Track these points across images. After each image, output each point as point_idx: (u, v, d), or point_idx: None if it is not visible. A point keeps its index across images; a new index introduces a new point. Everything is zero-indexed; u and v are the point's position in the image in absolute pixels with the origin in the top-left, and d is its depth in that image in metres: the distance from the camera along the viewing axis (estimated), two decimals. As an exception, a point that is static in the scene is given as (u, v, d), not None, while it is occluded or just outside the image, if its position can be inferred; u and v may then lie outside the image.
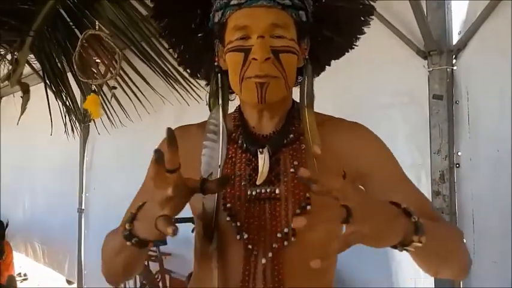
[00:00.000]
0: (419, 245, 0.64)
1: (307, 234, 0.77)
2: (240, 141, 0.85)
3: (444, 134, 1.83)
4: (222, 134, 0.85)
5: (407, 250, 0.66)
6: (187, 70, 0.96)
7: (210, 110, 0.89)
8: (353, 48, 0.93)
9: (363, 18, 0.89)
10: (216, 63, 0.88)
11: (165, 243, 3.05)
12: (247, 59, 0.78)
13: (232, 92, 0.89)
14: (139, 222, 0.71)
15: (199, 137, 0.87)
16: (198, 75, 0.96)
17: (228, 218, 0.80)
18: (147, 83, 2.55)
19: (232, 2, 0.80)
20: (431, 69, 1.86)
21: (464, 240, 0.82)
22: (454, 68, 1.85)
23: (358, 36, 0.91)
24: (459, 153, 1.83)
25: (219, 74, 0.87)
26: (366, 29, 0.90)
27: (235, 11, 0.80)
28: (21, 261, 5.03)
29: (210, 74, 0.92)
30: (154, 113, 2.86)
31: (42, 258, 5.01)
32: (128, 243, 0.71)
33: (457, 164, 1.83)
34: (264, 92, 0.78)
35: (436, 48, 1.83)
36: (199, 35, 0.90)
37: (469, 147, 1.80)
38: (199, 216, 0.83)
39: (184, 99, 2.45)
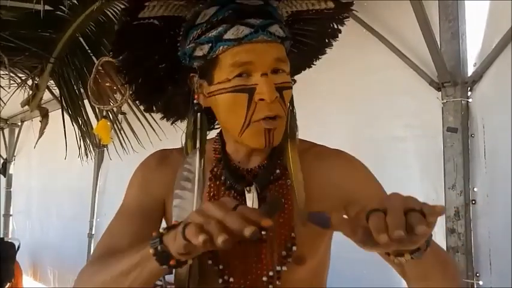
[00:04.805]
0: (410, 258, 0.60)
1: (292, 277, 0.74)
2: (223, 178, 0.79)
3: (459, 168, 1.76)
4: (197, 185, 0.75)
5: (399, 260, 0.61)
6: (142, 105, 0.87)
7: (186, 153, 0.79)
8: (310, 67, 0.91)
9: (327, 40, 0.88)
10: (195, 101, 0.78)
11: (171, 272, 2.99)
12: (252, 100, 0.72)
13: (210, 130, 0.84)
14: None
15: (180, 163, 0.81)
16: (154, 109, 0.87)
17: (209, 262, 0.75)
18: (160, 110, 2.57)
19: (226, 36, 0.71)
20: (445, 101, 1.81)
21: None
22: (469, 100, 1.79)
23: (319, 56, 0.90)
24: (475, 189, 1.74)
25: (198, 114, 0.78)
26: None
27: (232, 47, 0.72)
28: (29, 285, 5.01)
29: (168, 107, 0.86)
30: (166, 139, 2.87)
31: (52, 282, 4.97)
32: (164, 266, 0.61)
33: (473, 200, 1.74)
34: (272, 137, 0.74)
35: (450, 80, 1.78)
36: (161, 66, 0.81)
37: (486, 183, 1.72)
38: None
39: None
